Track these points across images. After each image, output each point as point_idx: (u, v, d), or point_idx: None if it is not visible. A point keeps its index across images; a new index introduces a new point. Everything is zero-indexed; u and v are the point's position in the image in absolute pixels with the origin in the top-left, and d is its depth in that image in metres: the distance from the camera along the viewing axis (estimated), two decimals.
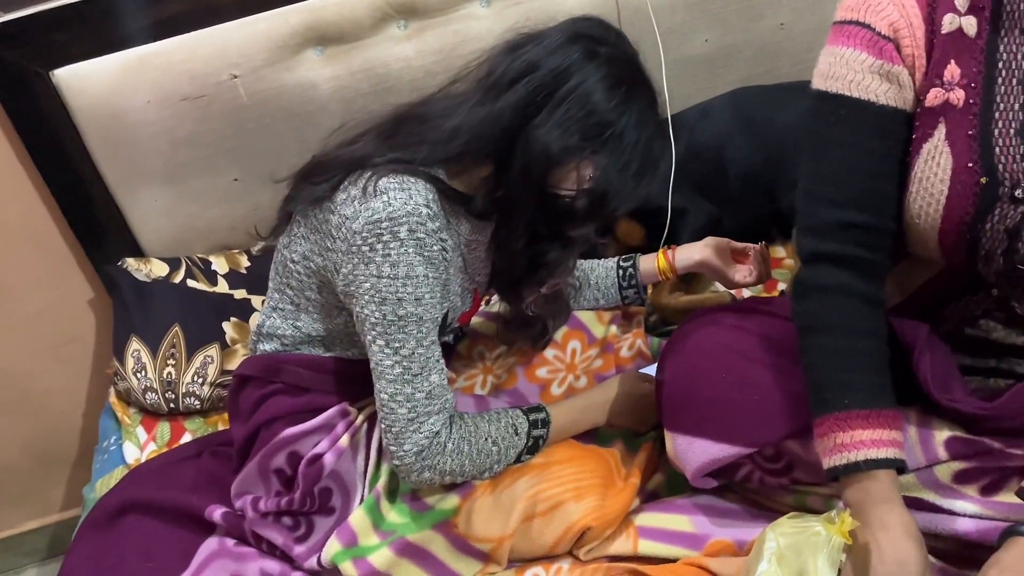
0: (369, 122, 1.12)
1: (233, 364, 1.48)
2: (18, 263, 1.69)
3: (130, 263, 1.60)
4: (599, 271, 1.34)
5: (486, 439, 1.03)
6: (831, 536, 0.80)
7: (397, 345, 0.98)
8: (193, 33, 1.49)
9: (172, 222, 1.64)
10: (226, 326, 1.52)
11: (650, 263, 1.32)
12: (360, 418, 1.13)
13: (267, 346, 1.16)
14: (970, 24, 0.87)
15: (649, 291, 1.45)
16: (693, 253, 1.30)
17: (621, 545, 1.00)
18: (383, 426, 1.01)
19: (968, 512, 0.88)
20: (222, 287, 1.61)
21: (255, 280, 1.61)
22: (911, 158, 0.91)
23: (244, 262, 1.65)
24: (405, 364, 0.98)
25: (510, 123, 0.98)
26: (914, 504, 0.86)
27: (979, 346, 0.96)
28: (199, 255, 1.65)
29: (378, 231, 0.96)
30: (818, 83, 0.93)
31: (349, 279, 1.00)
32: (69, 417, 1.89)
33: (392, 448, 1.00)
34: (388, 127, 1.09)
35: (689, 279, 1.45)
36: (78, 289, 1.76)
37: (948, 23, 0.89)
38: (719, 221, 1.50)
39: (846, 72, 0.91)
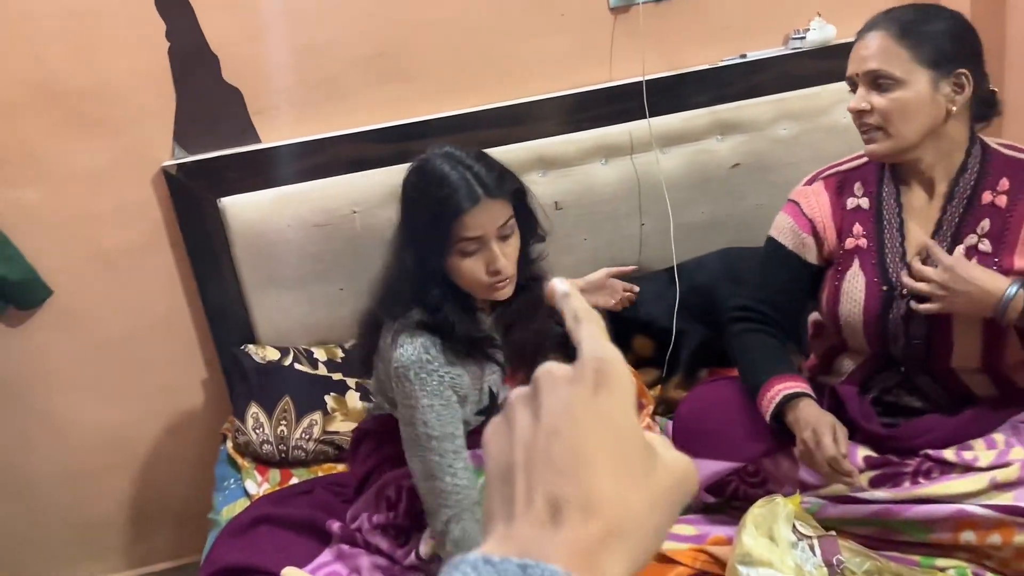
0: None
1: (334, 426, 1.89)
2: (159, 344, 2.13)
3: (251, 349, 2.04)
4: None
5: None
6: (787, 505, 1.23)
7: (416, 452, 1.37)
8: (328, 179, 2.02)
9: (287, 318, 2.10)
10: (327, 399, 1.95)
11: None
12: None
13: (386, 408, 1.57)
14: (864, 202, 1.43)
15: (659, 389, 1.92)
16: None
17: None
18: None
19: (881, 499, 1.31)
20: (322, 371, 2.04)
21: (348, 367, 2.05)
22: (839, 282, 1.43)
23: (339, 353, 2.09)
24: (422, 468, 1.37)
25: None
26: (845, 500, 1.29)
27: (891, 408, 1.42)
28: (303, 346, 2.10)
29: (397, 375, 1.38)
30: (770, 230, 1.53)
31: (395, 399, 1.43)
32: (168, 482, 2.26)
33: (429, 520, 1.40)
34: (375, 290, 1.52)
35: (689, 382, 1.91)
36: (195, 370, 2.19)
37: (850, 203, 1.46)
38: (710, 341, 1.98)
39: (780, 226, 1.52)
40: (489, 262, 1.35)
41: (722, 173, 2.18)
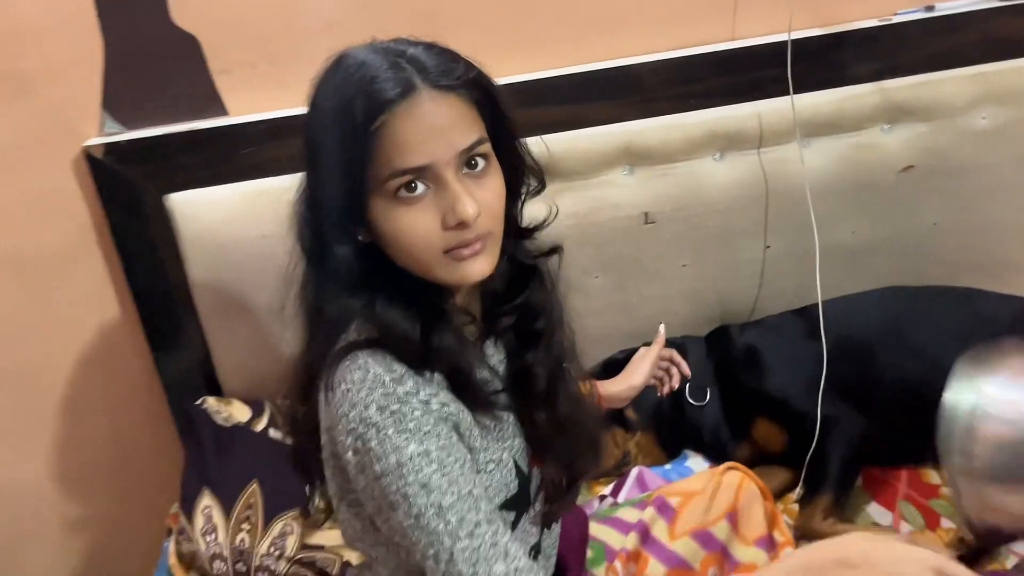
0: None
1: (317, 538, 1.31)
2: (92, 381, 1.56)
3: (210, 404, 1.46)
4: None
5: None
6: None
7: (429, 548, 0.76)
8: None
9: (262, 361, 1.50)
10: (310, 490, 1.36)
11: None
12: None
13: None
14: None
15: (790, 501, 1.32)
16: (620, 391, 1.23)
17: None
18: None
19: None
20: None
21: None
22: None
23: None
24: (449, 569, 0.76)
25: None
26: None
27: None
28: (285, 400, 1.51)
29: (349, 428, 0.78)
30: None
31: (363, 495, 0.83)
32: (111, 563, 1.72)
33: None
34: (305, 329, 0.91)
35: (843, 504, 1.29)
36: (144, 417, 1.62)
37: None
38: (872, 437, 1.35)
39: None
40: (447, 207, 0.78)
41: (888, 178, 1.52)
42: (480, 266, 0.82)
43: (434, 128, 0.77)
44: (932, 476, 1.38)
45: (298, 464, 1.03)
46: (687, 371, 1.27)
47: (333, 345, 0.85)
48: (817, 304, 1.46)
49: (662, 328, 1.28)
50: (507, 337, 0.93)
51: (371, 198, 0.79)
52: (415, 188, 0.78)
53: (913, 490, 1.35)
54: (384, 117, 0.76)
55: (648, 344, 1.46)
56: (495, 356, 0.92)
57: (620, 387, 1.23)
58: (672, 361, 1.28)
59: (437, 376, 0.83)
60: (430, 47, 0.81)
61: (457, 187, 0.78)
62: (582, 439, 0.96)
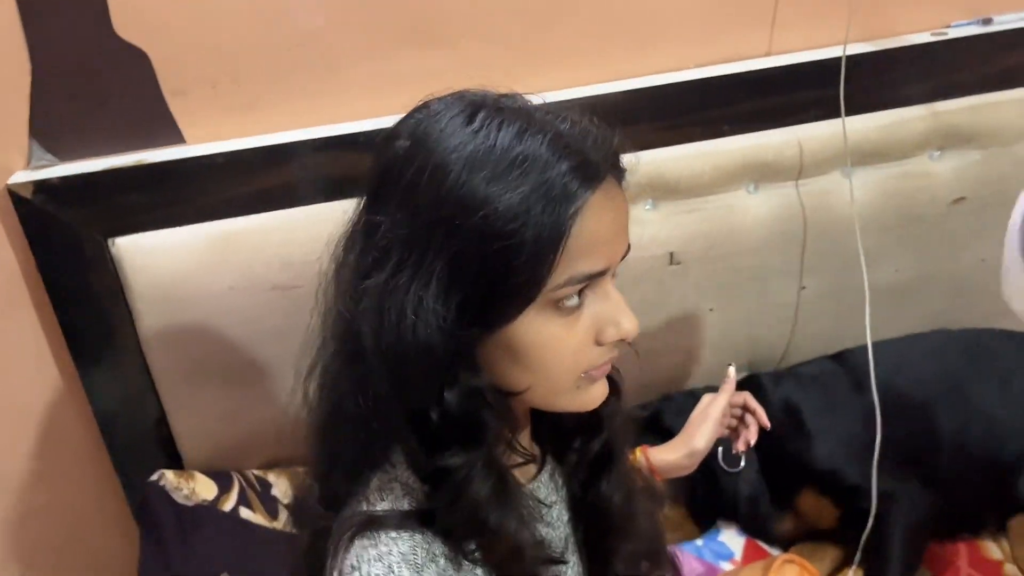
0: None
1: None
2: (25, 453, 1.33)
3: (169, 479, 1.24)
4: None
5: None
6: None
7: None
8: (299, 208, 1.20)
9: (229, 428, 1.30)
10: None
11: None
12: None
13: None
14: None
15: None
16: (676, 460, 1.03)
17: None
18: None
19: None
20: (284, 520, 1.26)
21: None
22: None
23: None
24: None
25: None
26: None
27: None
28: (256, 471, 1.31)
29: None
30: None
31: None
32: None
33: None
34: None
35: None
36: (89, 492, 1.40)
37: None
38: (940, 510, 1.20)
39: None
40: (608, 320, 0.64)
41: (937, 210, 1.37)
42: (604, 389, 0.68)
43: (617, 226, 0.63)
44: (991, 549, 1.24)
45: (308, 565, 0.83)
46: (766, 421, 1.06)
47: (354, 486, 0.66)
48: (855, 350, 1.33)
49: (732, 370, 1.08)
50: (570, 465, 0.75)
51: (526, 308, 0.61)
52: (576, 300, 0.63)
53: (975, 568, 1.21)
54: (574, 209, 0.58)
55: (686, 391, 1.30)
56: (551, 494, 0.74)
57: (677, 454, 1.03)
58: (746, 408, 1.08)
59: (480, 572, 0.65)
60: (580, 119, 0.64)
61: (620, 298, 0.65)
62: (659, 559, 0.80)
